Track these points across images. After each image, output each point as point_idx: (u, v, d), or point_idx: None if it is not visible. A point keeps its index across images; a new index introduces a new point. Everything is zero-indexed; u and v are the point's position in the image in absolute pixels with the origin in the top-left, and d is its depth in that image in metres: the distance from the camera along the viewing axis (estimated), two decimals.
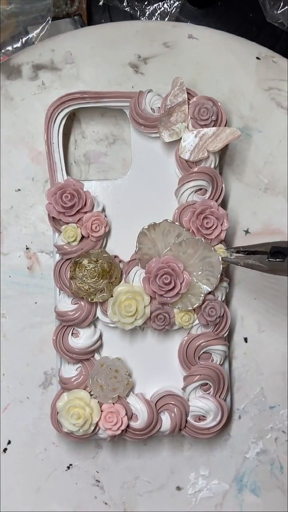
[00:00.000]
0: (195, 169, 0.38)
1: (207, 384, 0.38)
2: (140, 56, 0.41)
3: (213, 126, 0.38)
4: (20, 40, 0.48)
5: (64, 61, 0.41)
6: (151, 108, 0.38)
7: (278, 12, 0.48)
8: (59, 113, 0.38)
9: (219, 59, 0.42)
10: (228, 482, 0.40)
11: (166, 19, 0.50)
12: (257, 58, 0.42)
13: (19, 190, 0.41)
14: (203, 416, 0.38)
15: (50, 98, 0.39)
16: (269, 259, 0.33)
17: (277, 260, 0.33)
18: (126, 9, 0.50)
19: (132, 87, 0.41)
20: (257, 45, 0.42)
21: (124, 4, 0.50)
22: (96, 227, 0.37)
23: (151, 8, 0.50)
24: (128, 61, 0.41)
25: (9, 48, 0.48)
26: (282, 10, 0.48)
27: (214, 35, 0.42)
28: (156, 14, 0.50)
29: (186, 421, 0.38)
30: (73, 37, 0.42)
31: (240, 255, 0.35)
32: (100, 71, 0.41)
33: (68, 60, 0.41)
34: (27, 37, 0.47)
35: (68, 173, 0.39)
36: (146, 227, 0.37)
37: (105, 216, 0.38)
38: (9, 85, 0.41)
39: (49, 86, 0.41)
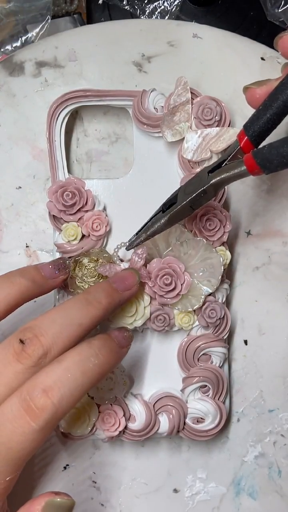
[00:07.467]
0: (198, 170, 0.37)
1: (206, 386, 0.37)
2: (144, 54, 0.41)
3: (216, 126, 0.37)
4: (20, 39, 0.47)
5: (68, 58, 0.41)
6: (154, 107, 0.38)
7: (279, 10, 0.48)
8: (61, 111, 0.38)
9: (223, 59, 0.41)
10: (226, 485, 0.40)
11: (167, 17, 0.50)
12: (262, 58, 0.41)
13: (20, 187, 0.40)
14: (201, 418, 0.37)
15: (52, 95, 0.39)
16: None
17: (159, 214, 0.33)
18: (126, 7, 0.50)
19: (136, 85, 0.41)
20: (262, 45, 0.42)
21: (124, 2, 0.50)
22: (96, 226, 0.37)
23: (151, 7, 0.50)
24: (131, 60, 0.41)
25: (8, 47, 0.48)
26: (283, 8, 0.47)
27: (218, 34, 0.42)
28: (156, 13, 0.50)
29: (184, 423, 0.37)
30: (76, 34, 0.42)
31: (139, 234, 0.35)
32: (104, 69, 0.41)
33: (72, 58, 0.41)
34: (27, 36, 0.47)
35: (69, 171, 0.39)
36: None
37: (106, 215, 0.38)
38: (11, 82, 0.41)
39: (52, 83, 0.41)
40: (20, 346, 0.27)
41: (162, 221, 0.33)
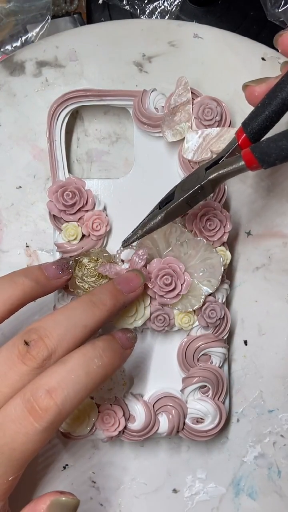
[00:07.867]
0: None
1: (206, 386, 0.37)
2: (145, 54, 0.41)
3: (217, 127, 0.37)
4: (20, 39, 0.48)
5: (68, 58, 0.41)
6: (154, 107, 0.38)
7: (279, 10, 0.48)
8: (62, 111, 0.38)
9: (224, 59, 0.41)
10: (225, 486, 0.40)
11: (167, 17, 0.50)
12: (262, 59, 0.41)
13: (20, 187, 0.40)
14: (201, 418, 0.37)
15: (53, 95, 0.39)
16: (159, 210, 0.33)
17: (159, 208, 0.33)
18: (126, 7, 0.50)
19: (136, 85, 0.41)
20: (263, 45, 0.42)
21: (124, 2, 0.50)
22: (97, 226, 0.37)
23: (151, 7, 0.50)
24: (132, 60, 0.41)
25: (8, 47, 0.48)
26: (283, 8, 0.48)
27: (219, 35, 0.42)
28: (156, 13, 0.50)
29: (184, 423, 0.37)
30: (77, 34, 0.42)
31: (136, 231, 0.34)
32: (104, 69, 0.41)
33: (72, 57, 0.41)
34: (27, 36, 0.47)
35: (70, 171, 0.39)
36: None
37: (106, 215, 0.38)
38: (12, 82, 0.41)
39: (53, 83, 0.41)
40: (24, 348, 0.27)
41: (159, 217, 0.33)
